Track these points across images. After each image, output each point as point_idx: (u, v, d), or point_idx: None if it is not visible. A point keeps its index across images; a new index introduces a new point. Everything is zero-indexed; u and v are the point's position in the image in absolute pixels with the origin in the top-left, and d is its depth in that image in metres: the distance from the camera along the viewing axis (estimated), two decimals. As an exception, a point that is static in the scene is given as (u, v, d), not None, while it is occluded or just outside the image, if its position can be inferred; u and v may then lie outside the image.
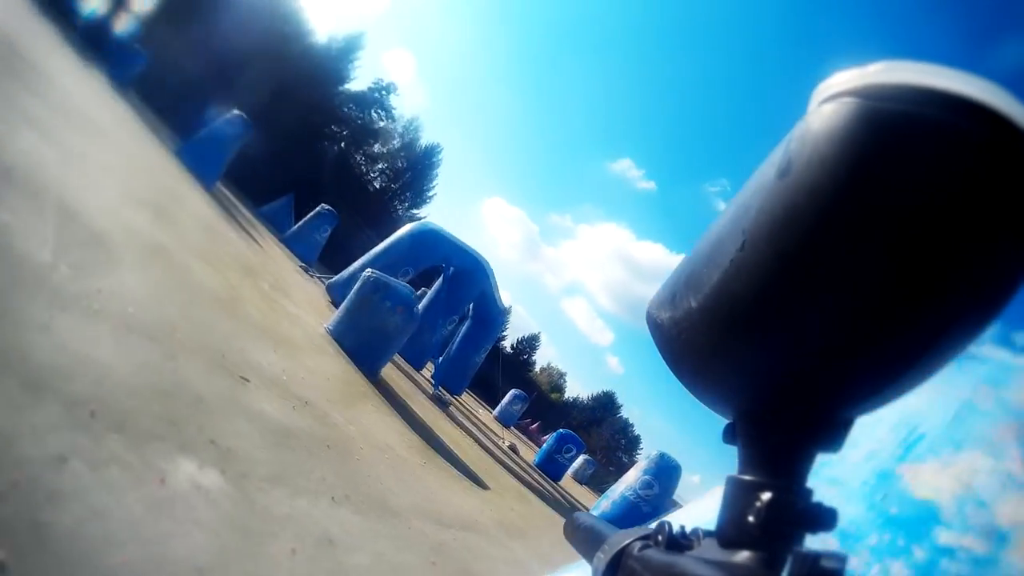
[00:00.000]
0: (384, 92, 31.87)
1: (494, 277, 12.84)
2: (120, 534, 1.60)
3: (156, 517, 1.77)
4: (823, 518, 0.30)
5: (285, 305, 6.39)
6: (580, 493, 15.77)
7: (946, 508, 0.58)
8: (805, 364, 0.29)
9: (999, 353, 0.68)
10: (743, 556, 0.30)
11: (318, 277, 11.16)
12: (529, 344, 54.01)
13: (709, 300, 0.32)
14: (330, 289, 10.12)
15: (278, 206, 15.98)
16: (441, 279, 11.99)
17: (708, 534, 0.33)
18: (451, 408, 10.12)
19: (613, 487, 8.78)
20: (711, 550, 0.32)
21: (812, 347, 0.28)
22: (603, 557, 0.38)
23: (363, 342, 6.41)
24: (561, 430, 14.69)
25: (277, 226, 15.12)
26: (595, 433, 52.96)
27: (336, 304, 7.57)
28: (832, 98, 0.27)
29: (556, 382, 55.59)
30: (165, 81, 15.18)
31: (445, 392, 10.60)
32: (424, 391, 9.38)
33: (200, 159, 10.60)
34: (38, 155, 3.62)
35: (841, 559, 0.27)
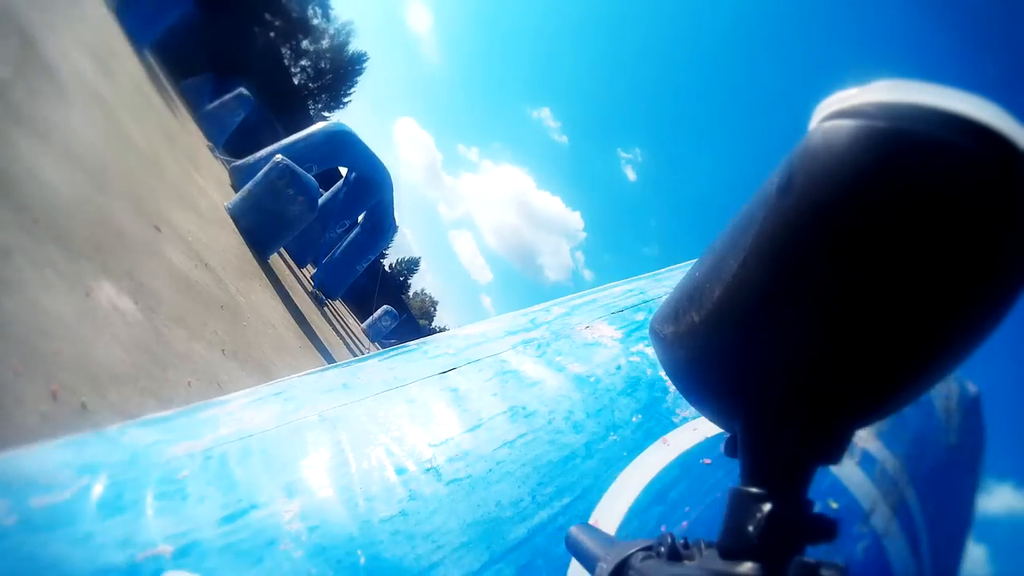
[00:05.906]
0: (327, -11, 29.98)
1: (393, 191, 12.84)
2: (53, 329, 1.85)
3: (82, 323, 2.02)
4: (823, 529, 0.30)
5: (195, 177, 6.35)
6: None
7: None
8: (806, 378, 0.29)
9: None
10: (744, 567, 0.30)
11: (223, 159, 10.69)
12: (408, 267, 53.61)
13: (711, 315, 0.32)
14: (234, 171, 9.79)
15: (198, 82, 14.86)
16: (342, 182, 11.83)
17: (709, 545, 0.34)
18: (325, 309, 10.28)
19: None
20: (712, 561, 0.32)
21: (813, 361, 0.29)
22: (605, 567, 0.38)
23: (260, 224, 6.49)
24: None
25: (194, 102, 14.18)
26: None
27: (236, 188, 7.50)
28: (833, 116, 0.27)
29: (427, 309, 55.92)
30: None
31: (321, 293, 10.72)
32: (303, 287, 9.48)
33: (137, 19, 9.72)
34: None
35: (840, 568, 0.27)
